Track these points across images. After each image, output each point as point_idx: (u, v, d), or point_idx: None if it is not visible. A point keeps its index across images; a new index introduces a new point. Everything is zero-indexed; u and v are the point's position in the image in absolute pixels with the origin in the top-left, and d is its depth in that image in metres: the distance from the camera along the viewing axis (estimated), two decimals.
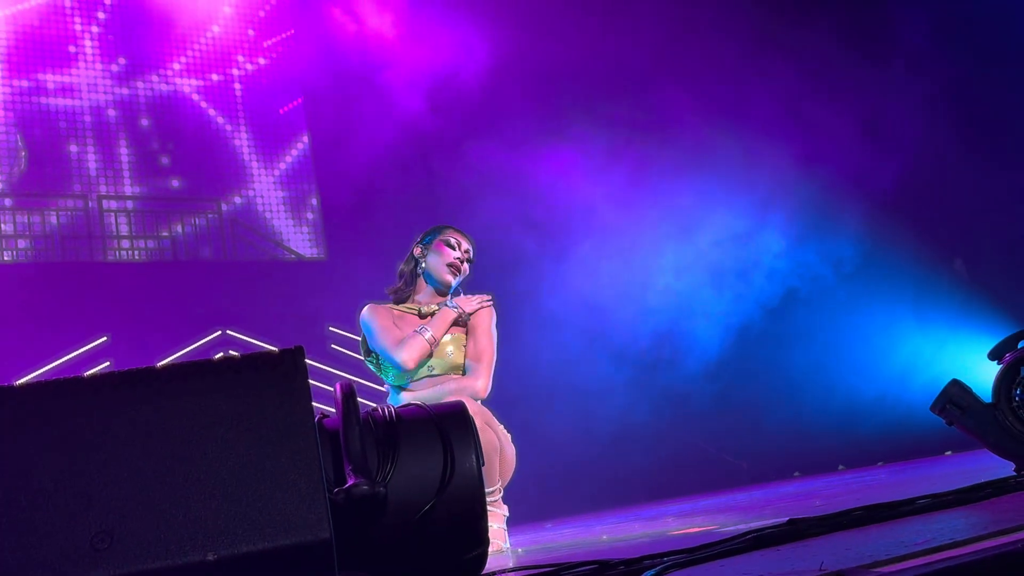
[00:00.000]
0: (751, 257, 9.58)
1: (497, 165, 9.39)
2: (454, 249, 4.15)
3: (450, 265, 4.13)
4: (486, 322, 4.13)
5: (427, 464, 2.47)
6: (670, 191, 9.40)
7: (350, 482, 2.34)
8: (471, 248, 4.22)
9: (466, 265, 4.19)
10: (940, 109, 9.56)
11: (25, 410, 2.00)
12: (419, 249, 4.21)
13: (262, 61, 10.71)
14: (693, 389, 9.45)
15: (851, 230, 9.48)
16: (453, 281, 4.18)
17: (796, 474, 9.24)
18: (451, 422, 2.57)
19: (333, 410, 2.62)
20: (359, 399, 2.43)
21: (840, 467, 9.09)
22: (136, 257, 9.71)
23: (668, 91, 9.57)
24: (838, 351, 9.63)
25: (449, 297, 4.23)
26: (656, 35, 9.60)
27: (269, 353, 2.10)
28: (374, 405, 2.72)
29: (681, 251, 9.49)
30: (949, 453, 8.02)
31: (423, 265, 4.19)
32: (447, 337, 4.06)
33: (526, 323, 9.08)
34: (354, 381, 4.29)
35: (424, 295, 4.24)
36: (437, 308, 4.18)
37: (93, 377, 2.05)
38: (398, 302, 4.27)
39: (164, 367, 2.06)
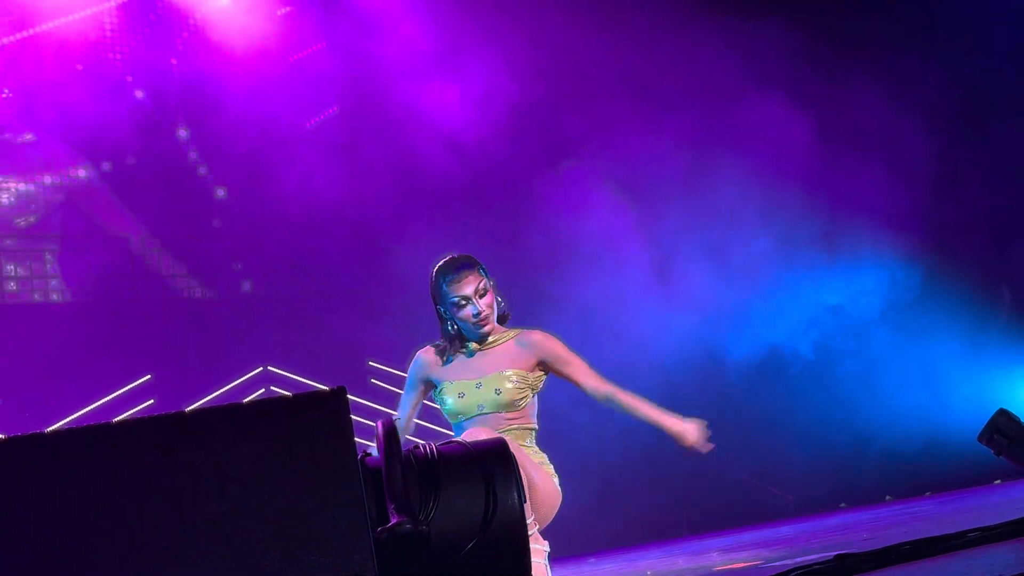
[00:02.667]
0: (796, 281, 9.54)
1: (525, 192, 9.47)
2: (466, 305, 3.88)
3: (475, 324, 3.89)
4: (559, 350, 3.97)
5: (469, 502, 2.48)
6: (711, 207, 9.40)
7: (393, 520, 2.35)
8: (477, 280, 3.89)
9: (485, 301, 3.86)
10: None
11: (72, 456, 2.04)
12: (441, 311, 3.99)
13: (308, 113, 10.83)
14: (735, 418, 9.36)
15: (901, 258, 9.43)
16: (488, 330, 3.92)
17: (842, 505, 9.11)
18: (492, 460, 2.57)
19: (373, 444, 2.64)
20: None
21: (887, 497, 8.95)
22: (177, 294, 9.84)
23: (708, 116, 9.59)
24: (884, 379, 9.51)
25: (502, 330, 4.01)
26: (703, 57, 9.61)
27: (312, 394, 2.12)
28: (416, 442, 2.73)
29: (724, 273, 9.46)
30: (998, 482, 7.87)
31: (454, 329, 3.96)
32: (494, 375, 3.85)
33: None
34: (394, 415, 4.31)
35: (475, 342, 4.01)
36: (492, 343, 3.98)
37: (141, 421, 2.08)
38: (448, 351, 4.05)
39: (208, 410, 2.09)
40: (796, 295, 9.59)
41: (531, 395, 3.90)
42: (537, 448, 3.97)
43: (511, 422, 3.86)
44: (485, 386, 3.85)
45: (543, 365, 3.93)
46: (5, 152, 9.29)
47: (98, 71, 9.80)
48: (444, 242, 9.50)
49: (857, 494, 9.07)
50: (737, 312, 9.48)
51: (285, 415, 2.10)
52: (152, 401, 8.47)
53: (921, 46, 9.77)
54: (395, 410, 8.59)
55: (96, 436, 2.01)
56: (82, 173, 9.63)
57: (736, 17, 9.51)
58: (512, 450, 3.66)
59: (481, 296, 3.86)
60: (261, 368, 9.09)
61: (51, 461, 1.97)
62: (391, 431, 2.53)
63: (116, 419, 2.09)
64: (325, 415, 2.09)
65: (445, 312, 3.94)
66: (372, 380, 9.36)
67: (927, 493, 8.60)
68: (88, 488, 1.96)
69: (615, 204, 9.50)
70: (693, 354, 9.39)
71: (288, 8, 10.32)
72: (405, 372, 8.80)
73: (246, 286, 10.04)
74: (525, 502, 2.49)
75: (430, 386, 4.06)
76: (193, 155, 10.09)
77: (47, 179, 9.50)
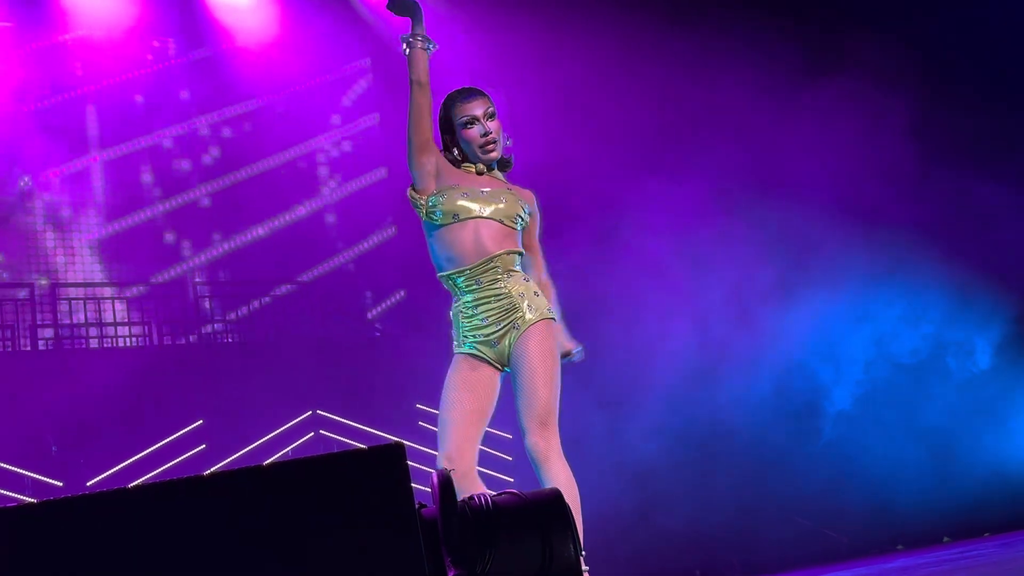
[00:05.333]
0: (852, 322, 9.50)
1: (581, 216, 9.53)
2: (475, 124, 3.76)
3: (483, 146, 3.78)
4: (536, 215, 3.89)
5: (525, 554, 2.47)
6: (793, 237, 9.40)
7: (451, 574, 2.35)
8: (487, 104, 3.81)
9: (492, 124, 3.76)
10: None
11: (133, 512, 2.07)
12: (447, 140, 3.84)
13: (347, 146, 11.04)
14: (787, 458, 9.27)
15: (996, 295, 9.39)
16: (495, 154, 3.81)
17: (899, 547, 8.93)
18: (548, 511, 2.57)
19: (427, 489, 2.65)
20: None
21: (945, 539, 8.76)
22: (229, 339, 9.99)
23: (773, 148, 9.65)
24: (939, 418, 9.38)
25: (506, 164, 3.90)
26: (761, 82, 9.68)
27: (371, 449, 2.15)
28: (470, 494, 2.73)
29: (770, 319, 9.41)
30: None
31: (459, 152, 3.81)
32: (500, 188, 3.76)
33: (616, 385, 9.09)
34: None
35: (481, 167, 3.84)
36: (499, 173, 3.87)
37: (202, 478, 2.12)
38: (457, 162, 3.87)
39: (269, 466, 2.13)
40: (851, 334, 9.54)
41: (521, 225, 3.78)
42: (523, 273, 3.78)
43: (504, 241, 3.69)
44: (491, 195, 3.72)
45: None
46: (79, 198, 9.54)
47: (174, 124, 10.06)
48: None
49: (913, 536, 8.90)
50: (795, 354, 9.43)
51: (345, 470, 2.12)
52: (203, 446, 8.56)
53: None
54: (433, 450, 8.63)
55: (168, 492, 2.05)
56: (136, 220, 9.85)
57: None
58: (509, 272, 3.59)
59: (489, 119, 3.79)
60: (310, 412, 9.16)
61: (128, 517, 2.01)
62: (447, 484, 2.54)
63: (209, 471, 2.12)
64: (383, 471, 2.11)
65: (452, 139, 3.80)
66: (420, 423, 9.39)
67: (985, 534, 8.41)
68: (163, 544, 2.00)
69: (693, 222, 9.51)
70: (750, 395, 9.35)
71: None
72: None
73: (294, 330, 10.17)
74: (582, 553, 2.48)
75: (420, 172, 3.76)
76: (237, 207, 10.32)
77: (104, 228, 9.74)
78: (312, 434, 9.02)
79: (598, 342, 9.32)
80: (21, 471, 7.96)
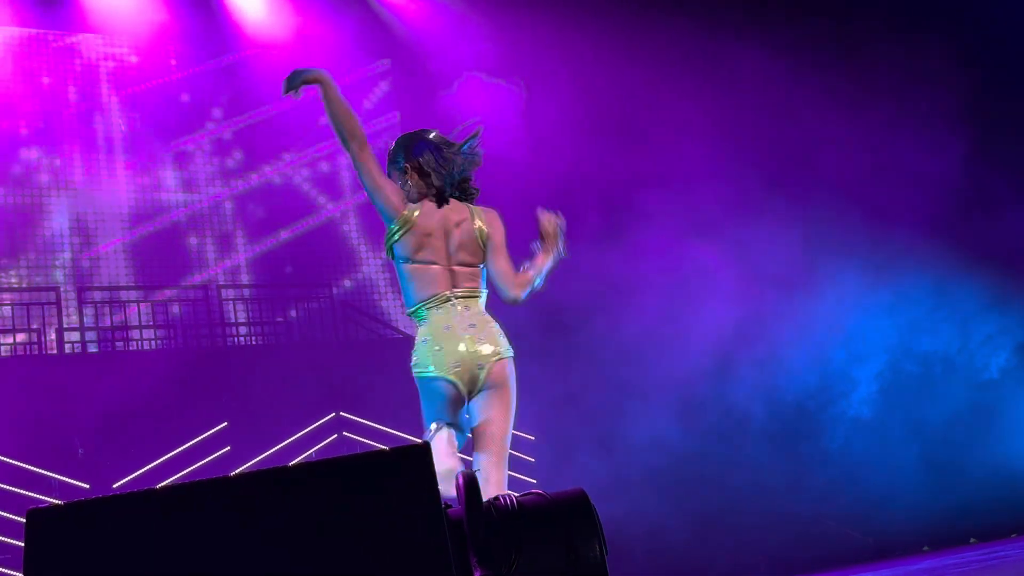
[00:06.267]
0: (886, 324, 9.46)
1: (618, 234, 9.52)
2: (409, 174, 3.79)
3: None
4: (501, 235, 3.85)
5: (551, 554, 2.48)
6: (828, 241, 9.40)
7: (477, 574, 2.36)
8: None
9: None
10: None
11: (166, 512, 2.10)
12: (420, 161, 3.80)
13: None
14: (816, 460, 9.24)
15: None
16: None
17: (925, 548, 8.86)
18: (573, 511, 2.57)
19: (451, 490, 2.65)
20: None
21: (972, 540, 8.69)
22: (252, 342, 10.04)
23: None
24: (967, 421, 9.32)
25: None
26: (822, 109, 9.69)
27: (397, 451, 2.16)
28: (497, 495, 2.74)
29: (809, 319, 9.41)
30: None
31: (443, 170, 3.79)
32: (457, 218, 3.76)
33: (637, 395, 9.08)
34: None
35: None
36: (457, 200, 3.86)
37: (229, 479, 2.14)
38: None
39: (297, 467, 2.14)
40: (885, 338, 9.50)
41: (482, 257, 3.77)
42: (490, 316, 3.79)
43: (464, 269, 3.72)
44: (447, 221, 3.73)
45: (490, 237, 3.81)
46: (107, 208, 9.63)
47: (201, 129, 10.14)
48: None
49: (940, 537, 8.83)
50: (825, 358, 9.41)
51: (372, 471, 2.14)
52: (228, 448, 8.60)
53: None
54: (470, 455, 8.66)
55: (213, 489, 2.07)
56: (160, 225, 9.92)
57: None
58: (481, 314, 3.65)
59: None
60: (333, 414, 9.19)
61: (174, 513, 2.04)
62: (472, 484, 2.55)
63: (235, 472, 2.14)
64: (410, 472, 2.13)
65: (430, 160, 3.80)
66: None
67: (1012, 535, 8.33)
68: (205, 537, 2.02)
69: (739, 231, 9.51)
70: (783, 398, 9.33)
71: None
72: None
73: (318, 335, 10.22)
74: (607, 554, 2.49)
75: (383, 207, 3.77)
76: (260, 211, 10.38)
77: (129, 233, 9.82)
78: (336, 436, 9.05)
79: (617, 335, 9.37)
80: (48, 473, 8.03)
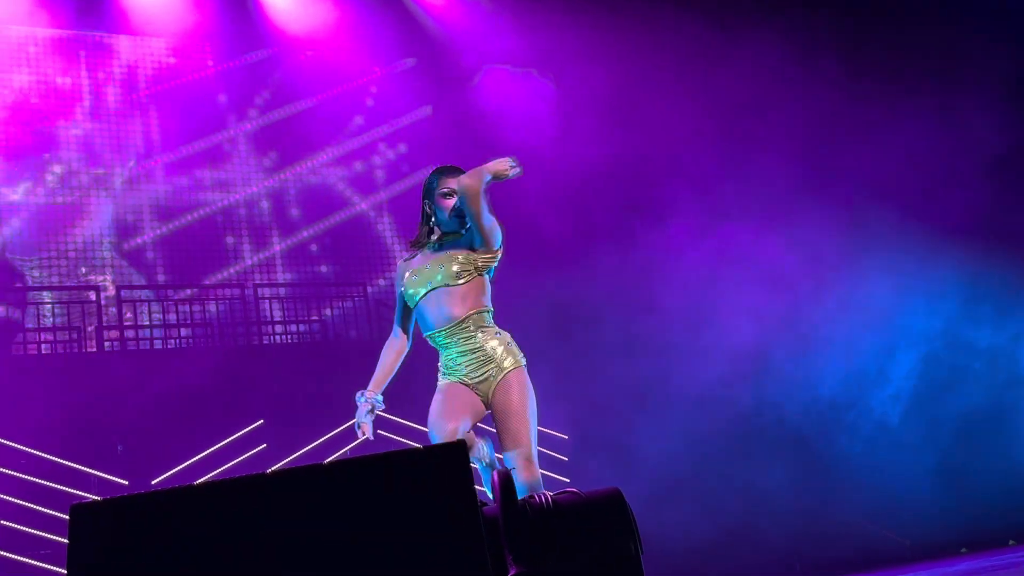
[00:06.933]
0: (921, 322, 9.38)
1: (660, 246, 9.51)
2: (452, 197, 4.29)
3: (452, 215, 4.28)
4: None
5: (586, 552, 2.48)
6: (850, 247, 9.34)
7: (512, 572, 2.37)
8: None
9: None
10: None
11: (206, 508, 2.12)
12: (427, 206, 4.38)
13: (403, 148, 11.12)
14: (850, 459, 9.17)
15: None
16: (464, 225, 4.29)
17: (963, 550, 8.76)
18: (608, 509, 2.58)
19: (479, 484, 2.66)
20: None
21: (1011, 542, 8.58)
22: (288, 341, 10.12)
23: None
24: (1006, 420, 9.21)
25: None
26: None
27: (435, 448, 2.17)
28: (531, 493, 2.75)
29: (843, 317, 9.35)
30: None
31: (435, 220, 4.36)
32: (444, 255, 4.23)
33: (667, 400, 9.06)
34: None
35: (441, 236, 4.38)
36: (449, 239, 4.31)
37: (267, 475, 2.16)
38: (416, 245, 4.45)
39: (334, 464, 2.16)
40: (918, 335, 9.41)
41: (475, 274, 4.19)
42: (498, 327, 4.22)
43: (465, 303, 4.14)
44: (433, 265, 4.22)
45: (476, 248, 4.24)
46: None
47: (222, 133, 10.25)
48: (539, 286, 9.67)
49: (979, 538, 8.73)
50: (858, 354, 9.34)
51: (410, 468, 2.15)
52: (264, 446, 8.67)
53: None
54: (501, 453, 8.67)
55: (252, 486, 2.10)
56: (196, 223, 10.03)
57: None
58: (481, 329, 4.05)
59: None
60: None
61: (214, 508, 2.07)
62: (507, 482, 2.56)
63: (270, 469, 2.17)
64: (446, 468, 2.14)
65: (430, 205, 4.33)
66: (478, 424, 9.41)
67: None
68: (243, 532, 2.05)
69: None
70: (815, 397, 9.27)
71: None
72: None
73: (353, 333, 10.28)
74: (642, 552, 2.49)
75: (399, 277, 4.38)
76: (295, 210, 10.46)
77: (165, 230, 9.94)
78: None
79: (651, 332, 9.35)
80: (88, 469, 8.15)
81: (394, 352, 4.53)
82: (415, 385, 9.28)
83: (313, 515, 2.10)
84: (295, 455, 8.62)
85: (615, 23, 10.00)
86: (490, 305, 4.25)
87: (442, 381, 4.31)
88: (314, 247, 10.43)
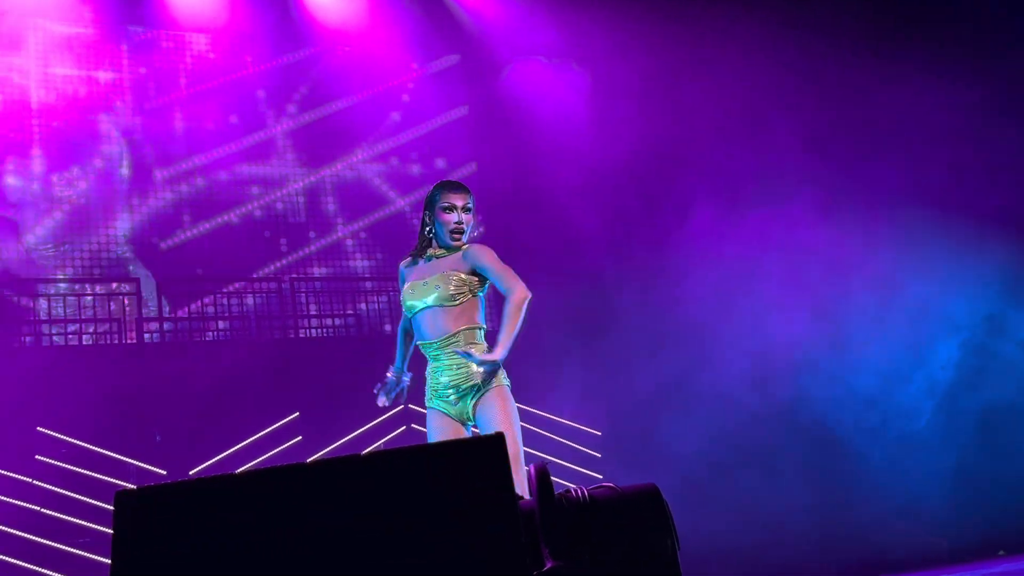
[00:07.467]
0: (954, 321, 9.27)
1: (689, 240, 9.48)
2: (452, 212, 4.45)
3: (452, 232, 4.46)
4: (486, 261, 4.42)
5: (622, 547, 2.49)
6: (881, 249, 9.26)
7: (548, 565, 2.38)
8: (468, 199, 4.51)
9: (466, 217, 4.48)
10: None
11: (247, 496, 2.15)
12: (427, 216, 4.54)
13: (439, 145, 11.15)
14: (885, 458, 9.09)
15: None
16: (458, 243, 4.49)
17: (1001, 552, 8.65)
18: (645, 504, 2.58)
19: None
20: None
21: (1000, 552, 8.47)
22: (323, 334, 10.20)
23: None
24: None
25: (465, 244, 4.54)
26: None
27: (473, 441, 2.19)
28: (568, 486, 2.76)
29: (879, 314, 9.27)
30: None
31: (432, 230, 4.52)
32: (439, 275, 4.43)
33: (696, 396, 9.03)
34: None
35: (437, 248, 4.60)
36: (444, 253, 4.52)
37: (307, 465, 2.19)
38: (416, 256, 4.67)
39: (373, 455, 2.18)
40: (957, 328, 9.32)
41: (470, 295, 4.40)
42: (488, 345, 4.40)
43: (459, 320, 4.35)
44: (430, 283, 4.41)
45: (477, 272, 4.44)
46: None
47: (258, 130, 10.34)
48: (573, 281, 9.66)
49: (1017, 540, 8.62)
50: (898, 351, 9.26)
51: (448, 460, 2.17)
52: (299, 438, 8.75)
53: None
54: (537, 450, 8.69)
55: (292, 475, 2.12)
56: (235, 218, 10.13)
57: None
58: (471, 345, 4.26)
59: (465, 212, 4.48)
60: (402, 407, 9.28)
61: (255, 497, 2.10)
62: (544, 476, 2.57)
63: (311, 459, 2.20)
64: (485, 461, 2.15)
65: (431, 217, 4.51)
66: None
67: None
68: (283, 521, 2.07)
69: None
70: (848, 391, 9.20)
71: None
72: (540, 410, 8.92)
73: (388, 327, 10.34)
74: (679, 549, 2.49)
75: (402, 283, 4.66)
76: (332, 206, 10.52)
77: (204, 225, 10.04)
78: (404, 428, 9.15)
79: (685, 330, 9.32)
80: (126, 459, 8.26)
81: (407, 335, 4.79)
82: None
83: (351, 505, 2.12)
84: (329, 448, 8.69)
85: (650, 14, 9.97)
86: (483, 323, 4.44)
87: (428, 411, 4.53)
88: (350, 242, 10.50)
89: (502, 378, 4.36)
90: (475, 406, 4.33)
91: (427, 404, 4.54)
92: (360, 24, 10.55)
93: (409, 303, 4.50)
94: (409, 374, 4.83)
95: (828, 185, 9.50)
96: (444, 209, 4.46)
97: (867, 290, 9.34)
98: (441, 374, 4.40)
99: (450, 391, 4.36)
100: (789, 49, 9.66)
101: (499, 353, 4.25)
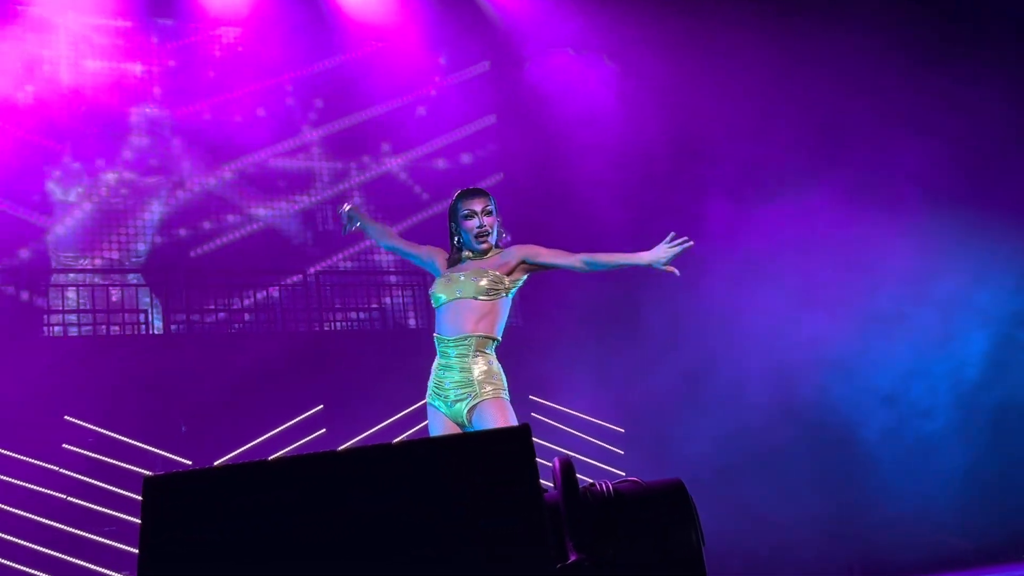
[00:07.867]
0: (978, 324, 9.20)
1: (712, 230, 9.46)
2: (473, 218, 4.53)
3: (477, 236, 4.54)
4: (535, 249, 4.51)
5: (647, 541, 2.48)
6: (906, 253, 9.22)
7: (572, 558, 2.38)
8: (487, 202, 4.59)
9: (488, 220, 4.55)
10: None
11: (275, 483, 2.16)
12: (452, 227, 4.63)
13: (467, 146, 11.16)
14: (911, 459, 9.02)
15: None
16: (486, 245, 4.57)
17: None
18: (669, 499, 2.57)
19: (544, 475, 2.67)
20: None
21: None
22: (348, 328, 10.24)
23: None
24: None
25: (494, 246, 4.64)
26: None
27: (498, 432, 2.19)
28: (590, 481, 2.76)
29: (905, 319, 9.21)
30: None
31: (460, 240, 4.59)
32: (475, 270, 4.50)
33: (716, 393, 9.02)
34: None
35: (471, 254, 4.68)
36: (480, 256, 4.59)
37: (335, 453, 2.20)
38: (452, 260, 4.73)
39: (403, 443, 2.19)
40: (987, 323, 9.25)
41: (503, 295, 4.46)
42: (495, 356, 4.46)
43: (479, 323, 4.39)
44: (466, 277, 4.48)
45: (524, 266, 4.54)
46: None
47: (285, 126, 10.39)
48: (601, 279, 9.65)
49: None
50: (924, 348, 9.20)
51: (474, 451, 2.17)
52: (323, 431, 8.79)
53: None
54: (560, 446, 8.69)
55: (320, 463, 2.14)
56: (262, 212, 10.18)
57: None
58: (481, 352, 4.30)
59: (486, 215, 4.55)
60: (424, 401, 9.29)
61: (283, 484, 2.11)
62: (569, 469, 2.57)
63: (341, 447, 2.20)
64: (511, 452, 2.15)
65: (456, 227, 4.59)
66: (532, 414, 9.45)
67: None
68: (310, 509, 2.09)
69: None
70: (873, 394, 9.16)
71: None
72: (565, 407, 8.91)
73: (412, 322, 10.36)
74: (704, 544, 2.48)
75: (429, 269, 4.76)
76: (358, 199, 10.55)
77: (230, 217, 10.10)
78: (426, 422, 9.16)
79: (711, 326, 9.29)
80: (152, 449, 8.33)
81: (389, 236, 4.97)
82: None
83: (378, 493, 2.12)
84: (353, 440, 8.72)
85: (669, 6, 9.95)
86: (499, 335, 4.49)
87: (428, 407, 4.60)
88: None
89: (502, 392, 4.37)
90: (471, 412, 4.36)
91: (427, 399, 4.60)
92: (388, 19, 10.57)
93: (437, 294, 4.53)
94: (357, 224, 4.90)
95: (851, 178, 9.45)
96: (465, 217, 4.54)
97: (891, 285, 9.28)
98: (444, 373, 4.44)
99: (449, 392, 4.40)
100: (823, 45, 9.61)
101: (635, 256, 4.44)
